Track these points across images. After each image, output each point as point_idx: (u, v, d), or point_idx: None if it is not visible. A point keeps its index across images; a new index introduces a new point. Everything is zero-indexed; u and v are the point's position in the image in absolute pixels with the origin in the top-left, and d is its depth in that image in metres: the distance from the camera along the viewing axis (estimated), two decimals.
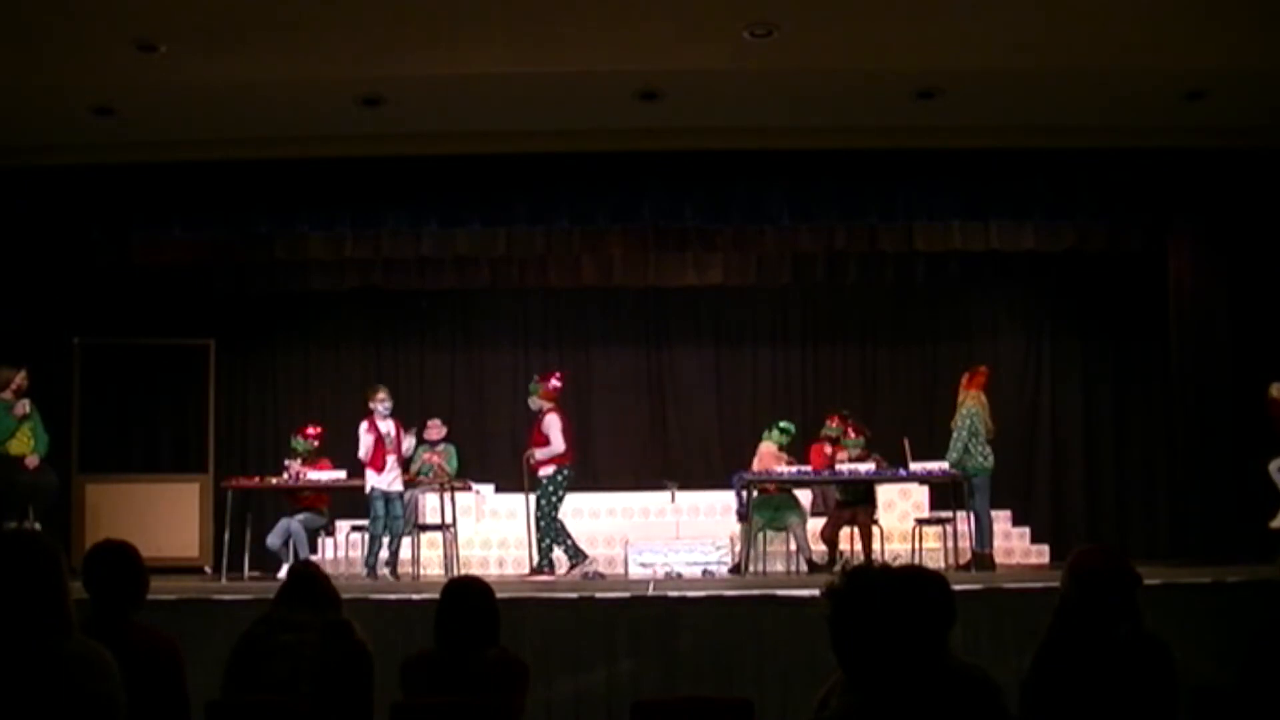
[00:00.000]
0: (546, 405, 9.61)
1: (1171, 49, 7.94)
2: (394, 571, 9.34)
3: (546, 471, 9.46)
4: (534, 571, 9.47)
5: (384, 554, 9.41)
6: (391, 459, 9.51)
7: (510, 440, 11.29)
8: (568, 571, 9.38)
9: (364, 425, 9.54)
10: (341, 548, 10.33)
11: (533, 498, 9.58)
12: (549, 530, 9.40)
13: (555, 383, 9.79)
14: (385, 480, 9.45)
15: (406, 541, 9.82)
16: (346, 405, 12.17)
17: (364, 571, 9.42)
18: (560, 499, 9.49)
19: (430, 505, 10.14)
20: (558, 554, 9.45)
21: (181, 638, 3.68)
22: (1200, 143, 9.35)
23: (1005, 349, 12.31)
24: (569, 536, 9.47)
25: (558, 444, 9.45)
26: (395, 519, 9.44)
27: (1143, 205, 9.85)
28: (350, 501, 10.72)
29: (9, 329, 9.67)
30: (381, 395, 9.65)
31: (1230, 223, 10.01)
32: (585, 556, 9.40)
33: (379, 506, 9.39)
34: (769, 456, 10.21)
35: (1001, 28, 7.66)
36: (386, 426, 9.54)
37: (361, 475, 9.57)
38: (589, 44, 7.88)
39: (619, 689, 6.74)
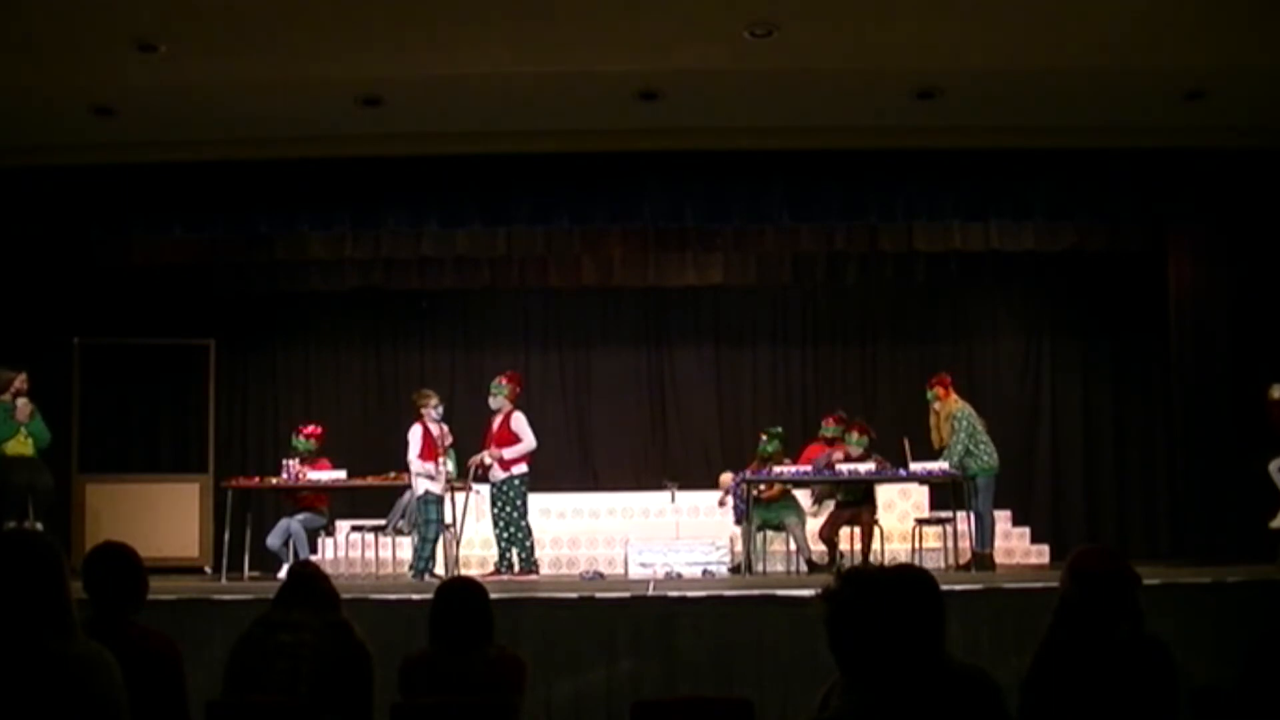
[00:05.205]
0: (509, 405, 9.61)
1: (1171, 49, 7.93)
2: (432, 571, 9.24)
3: (519, 470, 9.46)
4: (523, 572, 9.40)
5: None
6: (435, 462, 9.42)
7: None
8: (519, 574, 9.35)
9: (418, 429, 9.38)
10: (341, 548, 10.32)
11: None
12: (525, 530, 9.42)
13: (519, 383, 9.87)
14: (437, 484, 9.34)
15: (406, 542, 9.83)
16: (346, 405, 12.24)
17: (413, 575, 9.16)
18: (527, 497, 9.52)
19: None
20: (512, 555, 9.44)
21: (181, 638, 3.69)
22: (1200, 143, 9.33)
23: (1005, 348, 12.33)
24: (531, 539, 9.50)
25: (530, 440, 9.47)
26: (434, 522, 9.30)
27: (1143, 205, 9.83)
28: (350, 501, 10.73)
29: (9, 329, 9.66)
30: (435, 400, 9.58)
31: (1230, 222, 10.01)
32: (537, 567, 9.49)
33: (433, 510, 9.26)
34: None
35: (1001, 28, 7.65)
36: (435, 430, 9.46)
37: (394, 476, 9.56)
38: (589, 44, 7.87)
39: (619, 689, 6.75)
